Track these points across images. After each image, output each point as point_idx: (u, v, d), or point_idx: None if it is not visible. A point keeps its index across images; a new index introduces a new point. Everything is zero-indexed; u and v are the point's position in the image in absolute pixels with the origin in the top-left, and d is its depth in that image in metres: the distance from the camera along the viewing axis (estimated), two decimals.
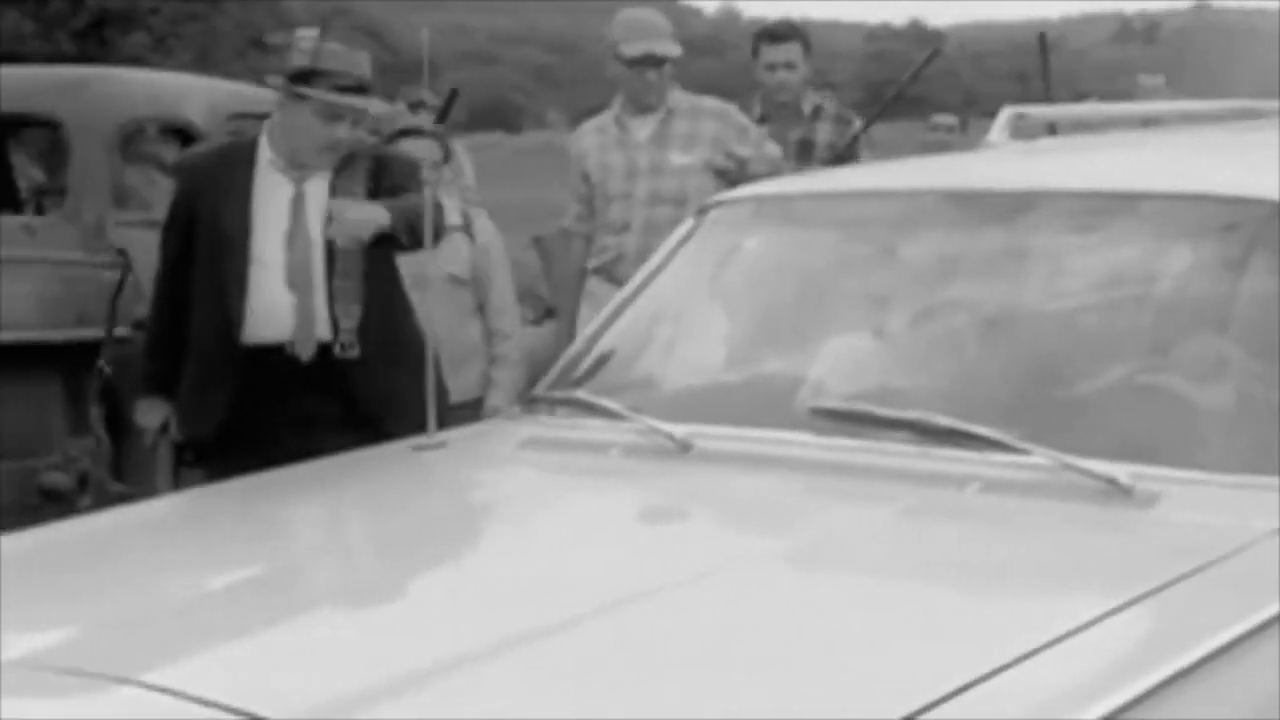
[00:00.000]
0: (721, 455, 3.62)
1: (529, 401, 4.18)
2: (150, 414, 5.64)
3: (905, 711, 2.36)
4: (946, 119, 13.18)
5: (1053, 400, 3.63)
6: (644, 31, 6.89)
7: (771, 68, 7.45)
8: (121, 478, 6.18)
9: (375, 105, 5.42)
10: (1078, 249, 3.93)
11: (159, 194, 10.03)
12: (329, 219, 5.13)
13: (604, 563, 3.18)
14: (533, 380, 4.60)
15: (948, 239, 4.08)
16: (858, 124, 7.51)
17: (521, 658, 2.63)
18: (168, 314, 5.53)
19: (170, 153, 10.32)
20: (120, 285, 6.58)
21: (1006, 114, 5.14)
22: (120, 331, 6.69)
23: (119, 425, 6.04)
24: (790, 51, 7.47)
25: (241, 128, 8.18)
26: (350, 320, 5.24)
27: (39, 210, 9.37)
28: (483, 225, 6.72)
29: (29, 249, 7.23)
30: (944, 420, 3.46)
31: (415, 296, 5.44)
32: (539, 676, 2.58)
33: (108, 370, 6.31)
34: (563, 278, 7.26)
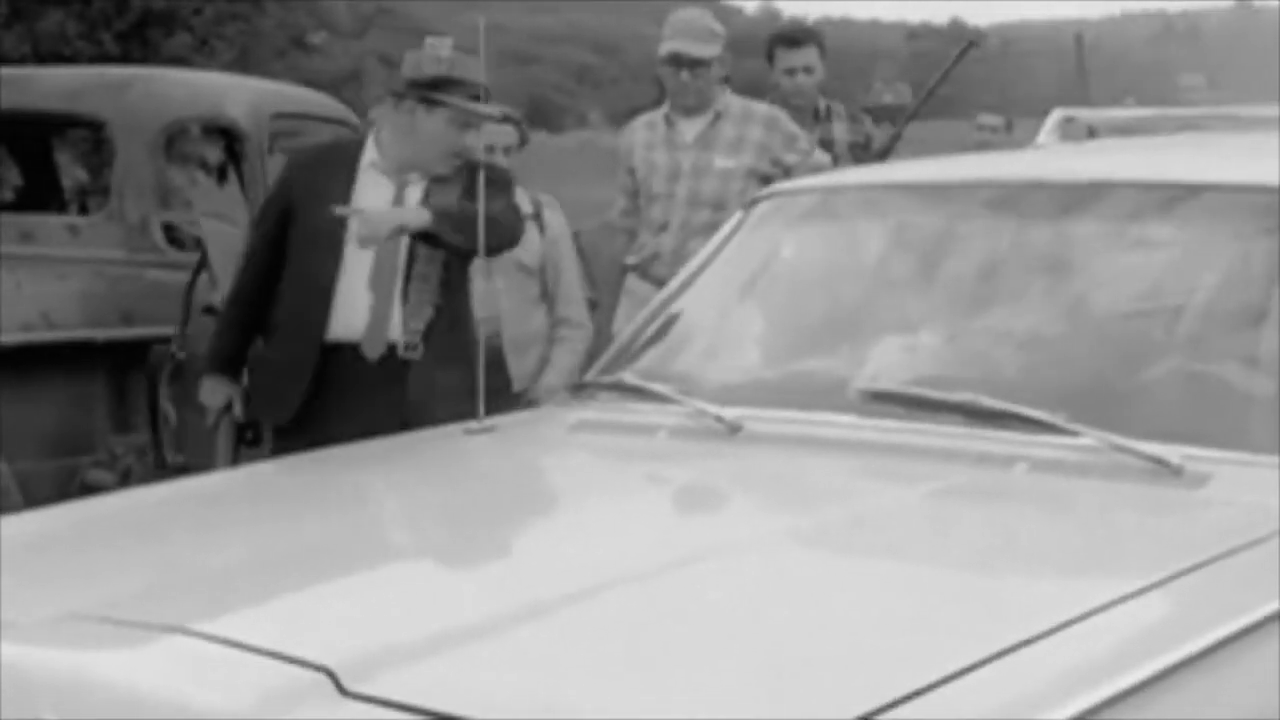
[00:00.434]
0: (770, 437, 3.64)
1: (578, 387, 4.19)
2: (215, 393, 5.71)
3: (917, 685, 2.36)
4: (992, 119, 13.13)
5: (1103, 385, 3.63)
6: (681, 32, 6.89)
7: (790, 72, 7.46)
8: (183, 453, 6.24)
9: (496, 112, 5.53)
10: (1129, 239, 3.93)
11: (201, 193, 10.09)
12: (357, 220, 5.17)
13: (636, 539, 3.20)
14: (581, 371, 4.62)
15: (998, 231, 4.08)
16: (868, 123, 7.51)
17: (533, 626, 2.64)
18: (246, 297, 5.64)
19: (213, 153, 10.37)
20: (197, 272, 6.62)
21: (1056, 116, 5.15)
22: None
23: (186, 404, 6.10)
24: (807, 56, 7.48)
25: (287, 128, 8.25)
26: (418, 323, 5.32)
27: (83, 210, 9.41)
28: (553, 215, 6.74)
29: (73, 248, 7.27)
30: (993, 402, 3.46)
31: (480, 282, 5.49)
32: (541, 644, 2.59)
33: (181, 355, 6.36)
34: (603, 271, 7.27)
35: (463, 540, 3.27)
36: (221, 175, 10.33)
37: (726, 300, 4.39)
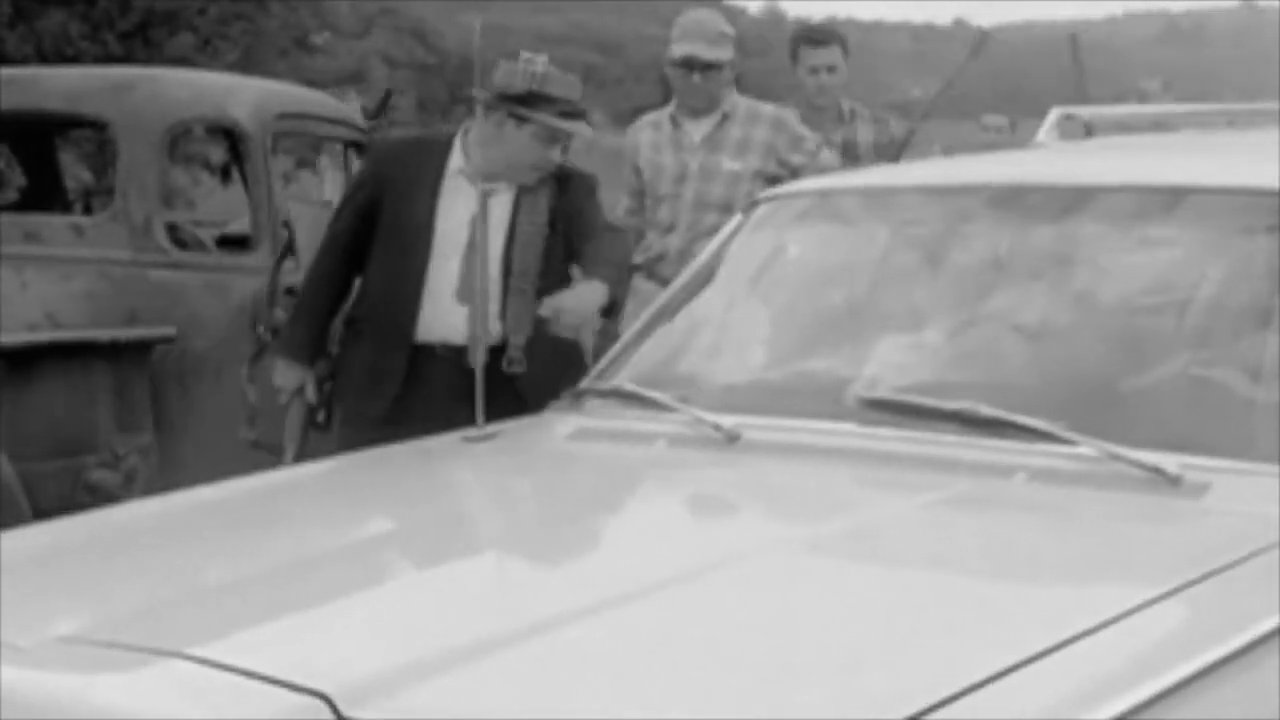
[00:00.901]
0: (768, 445, 3.64)
1: (577, 395, 4.19)
2: (288, 375, 5.73)
3: (923, 704, 2.35)
4: (997, 119, 13.15)
5: (1101, 393, 3.63)
6: (693, 34, 6.89)
7: (813, 71, 7.40)
8: (254, 430, 6.26)
9: (586, 130, 5.55)
10: (1128, 244, 3.93)
11: (205, 194, 10.09)
12: (551, 316, 5.15)
13: (637, 553, 3.20)
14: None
15: (997, 234, 4.08)
16: (893, 124, 7.49)
17: (534, 645, 2.63)
18: (325, 284, 5.69)
19: (216, 153, 10.38)
20: (283, 255, 6.63)
21: (1055, 114, 5.15)
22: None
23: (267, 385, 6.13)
24: (831, 55, 7.43)
25: (291, 128, 8.25)
26: (520, 336, 5.34)
27: (87, 210, 9.42)
28: None
29: (78, 249, 7.26)
30: (991, 411, 3.46)
31: None
32: (543, 664, 2.58)
33: (267, 337, 6.38)
34: None
35: (462, 557, 3.26)
36: (225, 175, 10.36)
37: (725, 304, 4.38)
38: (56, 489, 6.48)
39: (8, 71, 8.37)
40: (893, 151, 7.15)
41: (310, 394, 5.72)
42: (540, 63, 5.40)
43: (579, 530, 3.42)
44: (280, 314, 6.37)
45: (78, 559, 3.28)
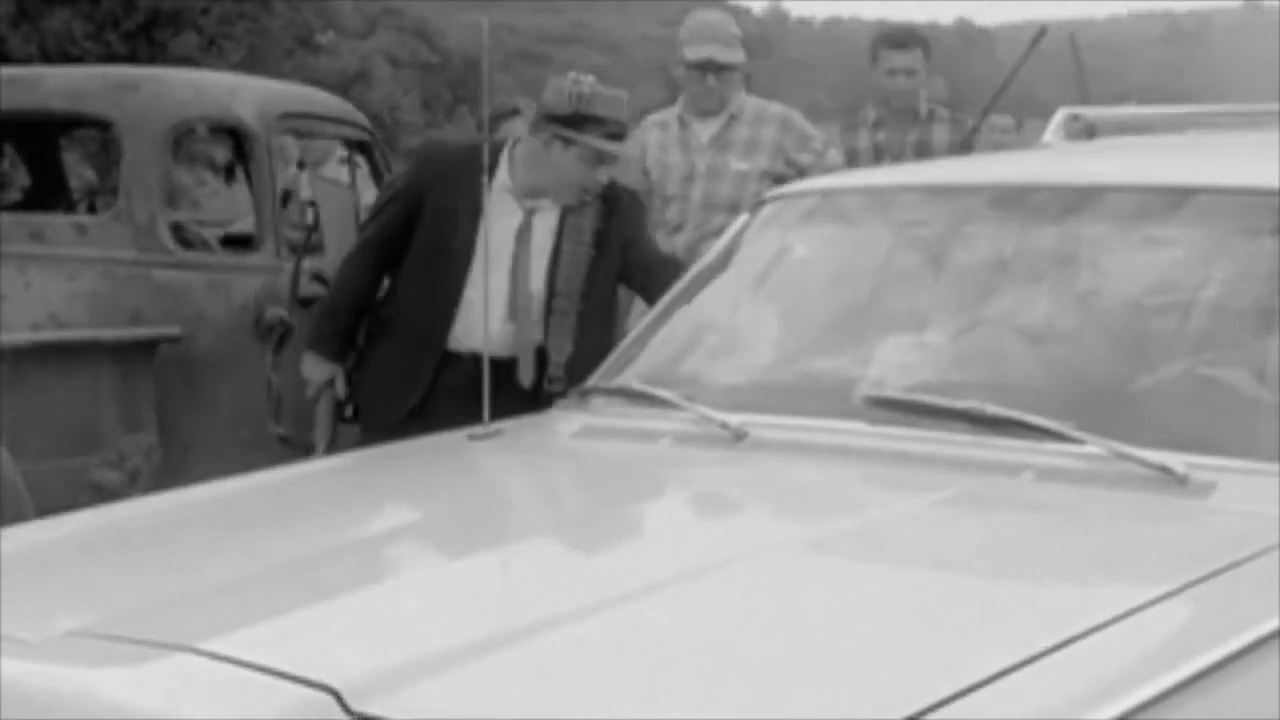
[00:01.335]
0: (774, 444, 3.63)
1: (583, 392, 4.19)
2: (317, 370, 5.75)
3: (924, 704, 2.34)
4: (1003, 120, 13.09)
5: (1108, 392, 3.62)
6: (707, 36, 6.89)
7: (892, 73, 7.28)
8: (281, 425, 6.27)
9: (632, 150, 5.57)
10: (1134, 243, 3.93)
11: (209, 193, 10.09)
12: None
13: (645, 551, 3.22)
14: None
15: (1003, 233, 4.08)
16: (969, 125, 7.44)
17: (542, 641, 2.62)
18: (358, 282, 5.70)
19: (220, 153, 10.38)
20: (309, 237, 6.64)
21: (1061, 115, 5.15)
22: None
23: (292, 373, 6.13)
24: (912, 58, 7.31)
25: (295, 127, 8.25)
26: (561, 356, 5.36)
27: (91, 210, 9.41)
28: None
29: (81, 248, 7.26)
30: (998, 409, 3.46)
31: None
32: (551, 660, 2.58)
33: (291, 322, 6.39)
34: None
35: (469, 553, 3.25)
36: (229, 175, 10.36)
37: (732, 303, 4.38)
38: (61, 488, 6.47)
39: (12, 71, 8.38)
40: (963, 152, 7.11)
41: (340, 388, 5.73)
42: (587, 83, 5.40)
43: (584, 528, 3.42)
44: (279, 311, 6.38)
45: (84, 554, 3.29)
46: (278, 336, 6.51)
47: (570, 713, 2.39)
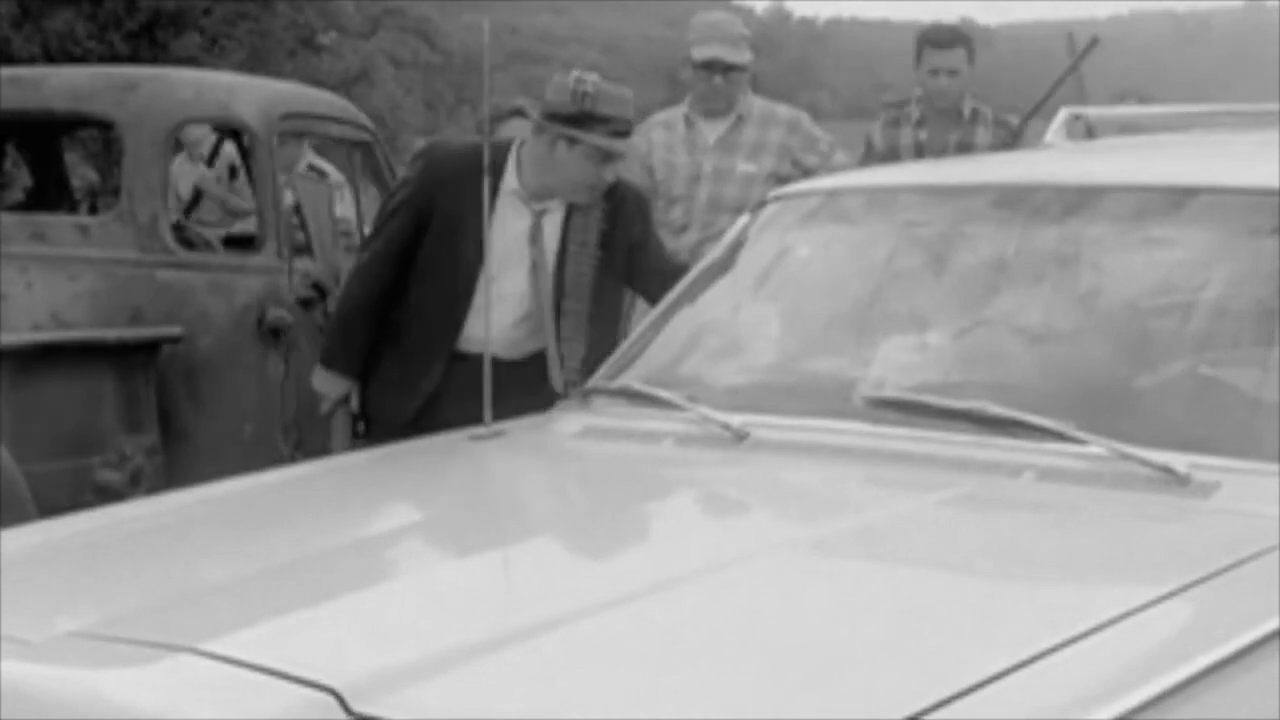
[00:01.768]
0: (776, 444, 3.63)
1: (585, 393, 4.19)
2: (331, 385, 5.74)
3: (925, 704, 2.35)
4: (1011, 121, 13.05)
5: (1110, 393, 3.62)
6: (714, 37, 6.89)
7: (934, 73, 7.26)
8: (288, 433, 6.26)
9: (638, 147, 5.55)
10: (1135, 243, 3.92)
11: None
12: None
13: (643, 549, 3.22)
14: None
15: (1005, 233, 4.08)
16: (1013, 125, 7.42)
17: (544, 642, 2.62)
18: (370, 296, 5.65)
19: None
20: (292, 239, 6.64)
21: (1063, 114, 5.15)
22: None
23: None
24: (954, 58, 7.29)
25: (297, 127, 8.25)
26: (575, 358, 5.35)
27: (93, 210, 9.42)
28: None
29: (83, 248, 7.26)
30: (1000, 410, 3.46)
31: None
32: (552, 661, 2.58)
33: (288, 320, 6.38)
34: None
35: (471, 553, 3.26)
36: (232, 175, 10.35)
37: (734, 304, 4.38)
38: (63, 489, 6.47)
39: (14, 71, 8.37)
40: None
41: (354, 404, 5.72)
42: (591, 81, 5.37)
43: (586, 528, 3.42)
44: (282, 313, 6.37)
45: (86, 555, 3.29)
46: (265, 347, 6.51)
47: (571, 713, 2.39)
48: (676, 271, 5.45)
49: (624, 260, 5.51)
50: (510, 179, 5.47)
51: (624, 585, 2.85)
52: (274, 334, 6.85)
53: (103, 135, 9.72)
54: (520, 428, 4.12)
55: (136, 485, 6.77)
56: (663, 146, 6.90)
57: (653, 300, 5.35)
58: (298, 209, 6.90)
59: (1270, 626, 2.65)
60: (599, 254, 5.45)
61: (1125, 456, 3.30)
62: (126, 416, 6.93)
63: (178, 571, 3.14)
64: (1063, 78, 6.85)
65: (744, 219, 4.54)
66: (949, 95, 7.26)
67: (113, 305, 7.05)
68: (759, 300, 4.38)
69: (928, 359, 3.86)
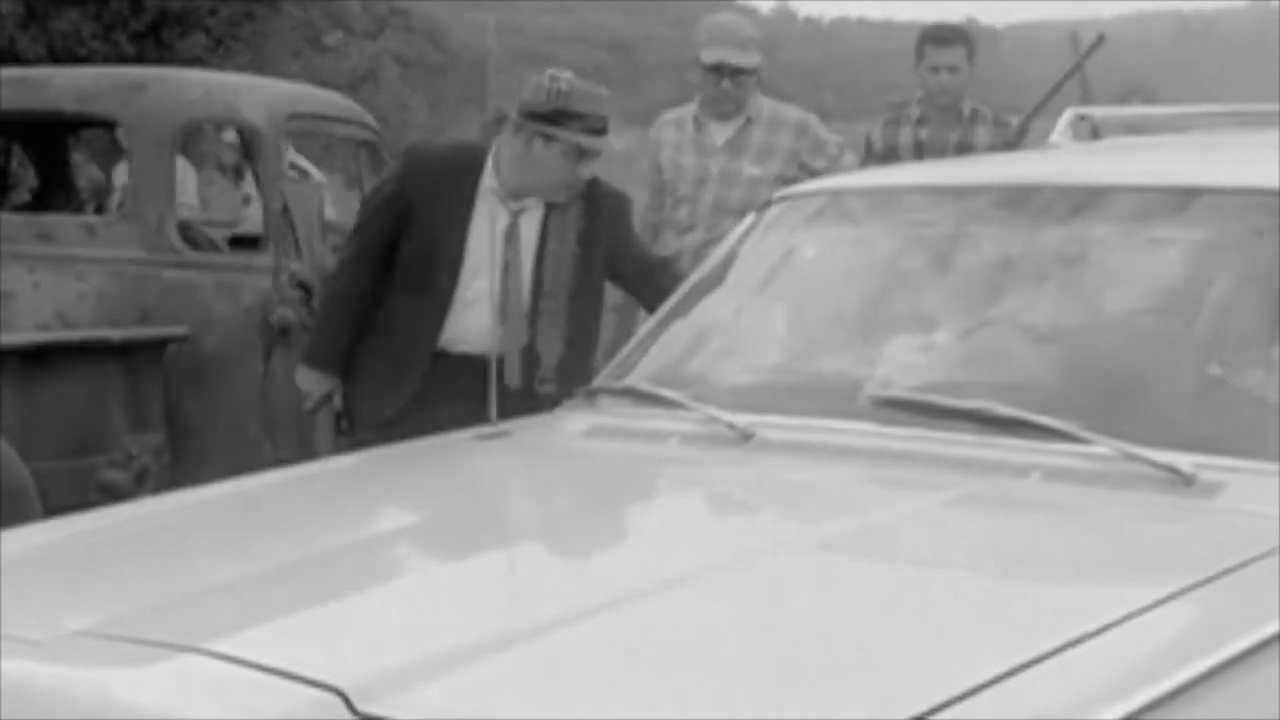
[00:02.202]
0: (782, 444, 3.63)
1: (590, 393, 4.19)
2: (314, 383, 5.76)
3: (927, 706, 2.34)
4: (1012, 120, 13.05)
5: (1115, 393, 3.62)
6: (722, 39, 6.88)
7: (935, 70, 7.28)
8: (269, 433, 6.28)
9: (612, 146, 5.57)
10: (1140, 244, 3.92)
11: (217, 193, 10.10)
12: None
13: (648, 548, 3.21)
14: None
15: (1010, 234, 4.08)
16: (1014, 125, 7.43)
17: (549, 641, 2.62)
18: (352, 295, 5.68)
19: (228, 153, 10.40)
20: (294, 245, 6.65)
21: (1068, 115, 5.15)
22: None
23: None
24: (955, 55, 7.31)
25: (303, 128, 8.27)
26: (552, 357, 5.36)
27: (99, 210, 9.44)
28: None
29: (90, 248, 7.28)
30: (1006, 410, 3.46)
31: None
32: (558, 660, 2.58)
33: (277, 323, 6.38)
34: None
35: (476, 553, 3.25)
36: (237, 175, 10.37)
37: (738, 304, 4.38)
38: (69, 488, 6.49)
39: (20, 72, 8.41)
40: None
41: (338, 402, 5.73)
42: (565, 79, 5.39)
43: (591, 528, 3.41)
44: (286, 312, 6.37)
45: (92, 554, 3.29)
46: (267, 346, 6.51)
47: (577, 713, 2.39)
48: (665, 269, 5.46)
49: (603, 259, 5.52)
50: (488, 178, 5.48)
51: (629, 585, 2.84)
52: (282, 333, 6.86)
53: (109, 136, 9.71)
54: (525, 427, 4.12)
55: (142, 484, 6.79)
56: (671, 145, 6.90)
57: (644, 300, 5.36)
58: (285, 209, 6.91)
59: (1275, 627, 2.65)
60: (577, 253, 5.46)
61: (1131, 457, 3.30)
62: (132, 416, 6.95)
63: (183, 571, 3.14)
64: (1065, 77, 6.85)
65: (749, 219, 4.55)
66: (950, 92, 7.28)
67: (118, 305, 7.07)
68: (764, 300, 4.38)
69: (933, 359, 3.86)
